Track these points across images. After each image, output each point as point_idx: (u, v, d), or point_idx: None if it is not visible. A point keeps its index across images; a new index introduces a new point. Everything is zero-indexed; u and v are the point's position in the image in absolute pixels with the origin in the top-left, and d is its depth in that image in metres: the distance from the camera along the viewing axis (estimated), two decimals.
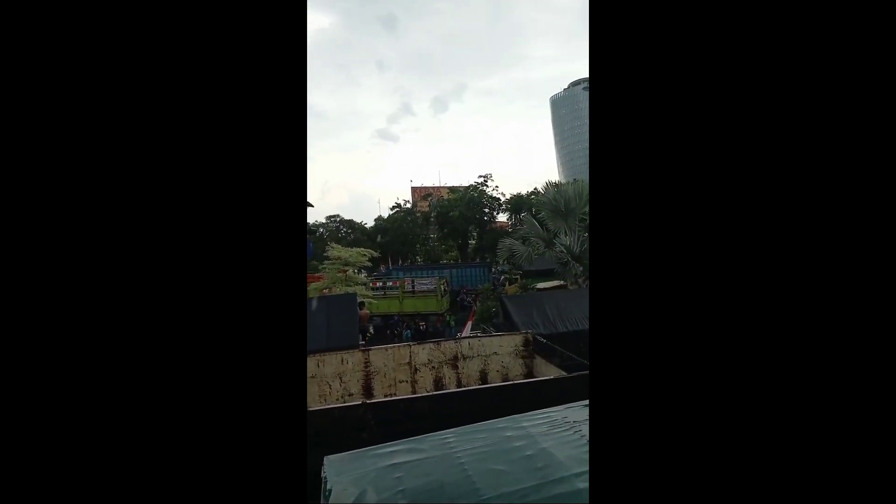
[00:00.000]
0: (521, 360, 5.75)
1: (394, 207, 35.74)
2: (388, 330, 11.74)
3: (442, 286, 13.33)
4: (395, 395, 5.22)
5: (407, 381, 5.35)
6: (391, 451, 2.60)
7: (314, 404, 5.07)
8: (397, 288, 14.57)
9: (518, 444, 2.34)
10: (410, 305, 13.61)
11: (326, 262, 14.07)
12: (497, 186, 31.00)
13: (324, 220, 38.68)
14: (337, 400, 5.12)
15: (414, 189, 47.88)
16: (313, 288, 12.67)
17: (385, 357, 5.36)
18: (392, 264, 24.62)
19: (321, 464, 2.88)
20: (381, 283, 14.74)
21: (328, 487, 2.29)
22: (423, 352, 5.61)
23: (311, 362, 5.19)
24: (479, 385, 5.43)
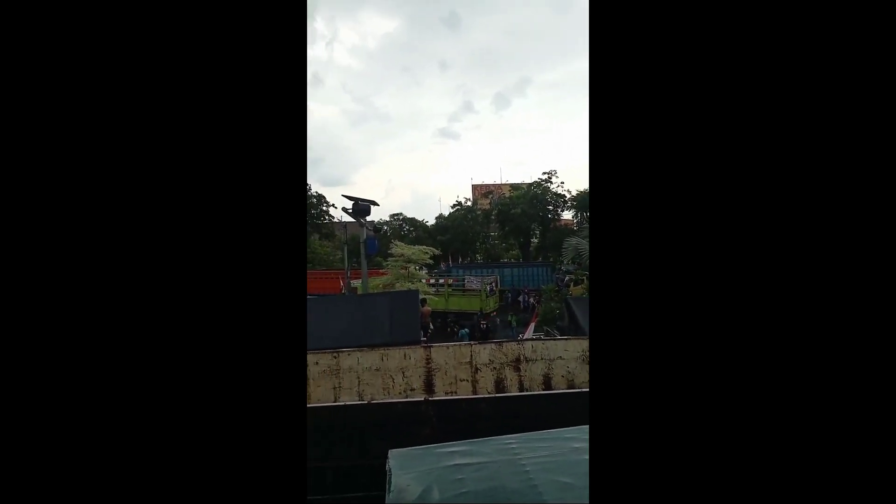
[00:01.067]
0: (588, 367, 5.45)
1: (454, 205, 36.05)
2: (448, 328, 11.84)
3: (488, 286, 13.09)
4: (455, 393, 5.23)
5: (468, 381, 5.34)
6: (453, 451, 2.59)
7: (378, 397, 5.27)
8: (455, 286, 14.64)
9: (587, 456, 2.19)
10: (455, 303, 13.58)
11: (390, 258, 14.59)
12: (562, 183, 29.85)
13: (387, 218, 40.22)
14: (399, 394, 5.26)
15: (474, 187, 47.82)
16: (377, 283, 13.20)
17: (446, 355, 5.40)
18: (452, 262, 24.84)
19: (386, 456, 2.98)
20: (433, 281, 14.92)
21: (392, 481, 2.34)
22: (484, 352, 5.55)
23: (376, 356, 5.39)
24: (543, 390, 5.24)
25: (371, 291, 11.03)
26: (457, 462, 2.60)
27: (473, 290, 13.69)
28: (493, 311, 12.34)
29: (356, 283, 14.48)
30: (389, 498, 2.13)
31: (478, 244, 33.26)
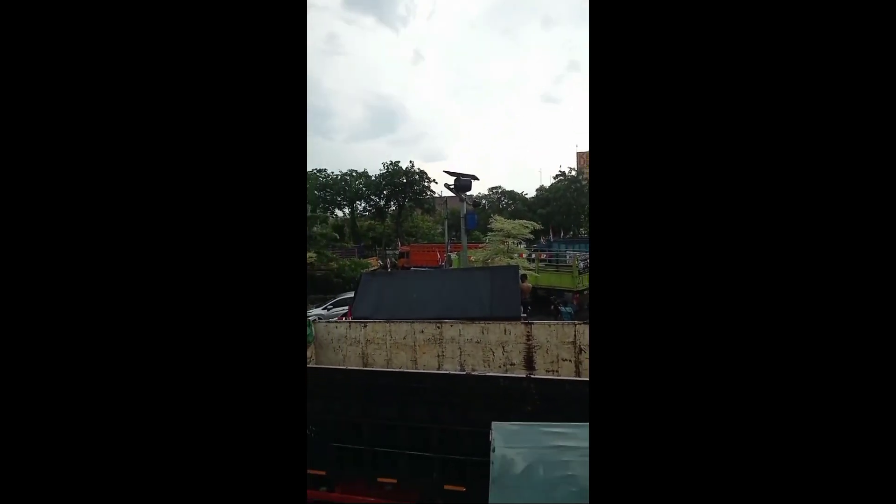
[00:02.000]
0: None
1: (557, 176, 34.13)
2: (552, 305, 11.49)
3: (581, 262, 12.09)
4: (557, 373, 5.11)
5: (570, 361, 5.15)
6: (558, 433, 2.56)
7: (479, 368, 5.44)
8: (548, 262, 14.03)
9: None
10: (545, 280, 12.92)
11: (490, 233, 14.61)
12: None
13: (486, 192, 40.07)
14: (499, 368, 5.35)
15: (579, 155, 44.42)
16: (476, 258, 13.39)
17: (548, 333, 5.27)
18: (554, 236, 23.82)
19: (488, 426, 3.09)
20: (525, 256, 14.44)
21: (495, 453, 2.41)
22: (588, 332, 5.27)
23: (476, 328, 5.53)
24: None
25: (469, 266, 11.23)
26: (561, 444, 2.57)
27: (566, 266, 12.95)
28: (586, 289, 11.55)
29: (454, 255, 14.87)
30: (494, 469, 2.20)
31: (583, 217, 31.20)
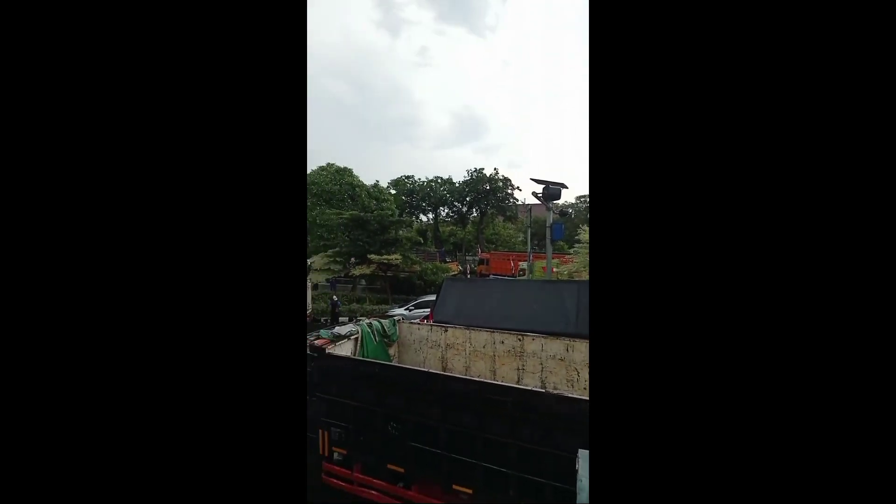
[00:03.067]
0: None
1: None
2: None
3: None
4: None
5: None
6: None
7: (561, 387, 5.17)
8: None
9: None
10: None
11: (577, 245, 13.90)
12: None
13: (573, 201, 38.25)
14: (583, 390, 5.02)
15: None
16: (561, 271, 12.82)
17: None
18: None
19: (572, 452, 2.90)
20: None
21: (581, 483, 2.25)
22: None
23: (560, 345, 5.27)
24: None
25: (554, 279, 10.78)
26: None
27: None
28: None
29: (523, 265, 14.32)
30: (580, 499, 2.06)
31: None
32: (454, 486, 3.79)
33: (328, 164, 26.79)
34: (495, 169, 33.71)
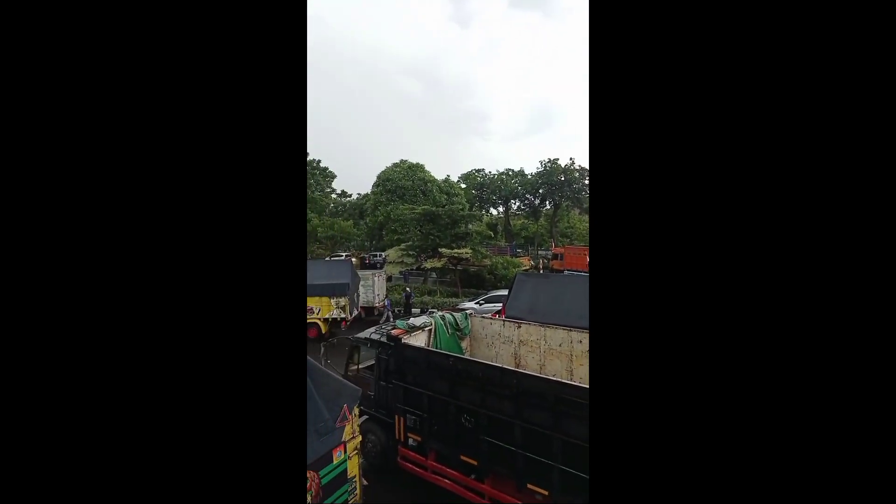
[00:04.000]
0: None
1: None
2: None
3: None
4: None
5: None
6: None
7: None
8: None
9: None
10: None
11: None
12: None
13: None
14: None
15: None
16: None
17: None
18: None
19: None
20: None
21: None
22: None
23: None
24: None
25: None
26: None
27: None
28: None
29: None
30: None
31: None
32: (529, 486, 3.72)
33: (401, 161, 27.79)
34: (571, 159, 31.96)
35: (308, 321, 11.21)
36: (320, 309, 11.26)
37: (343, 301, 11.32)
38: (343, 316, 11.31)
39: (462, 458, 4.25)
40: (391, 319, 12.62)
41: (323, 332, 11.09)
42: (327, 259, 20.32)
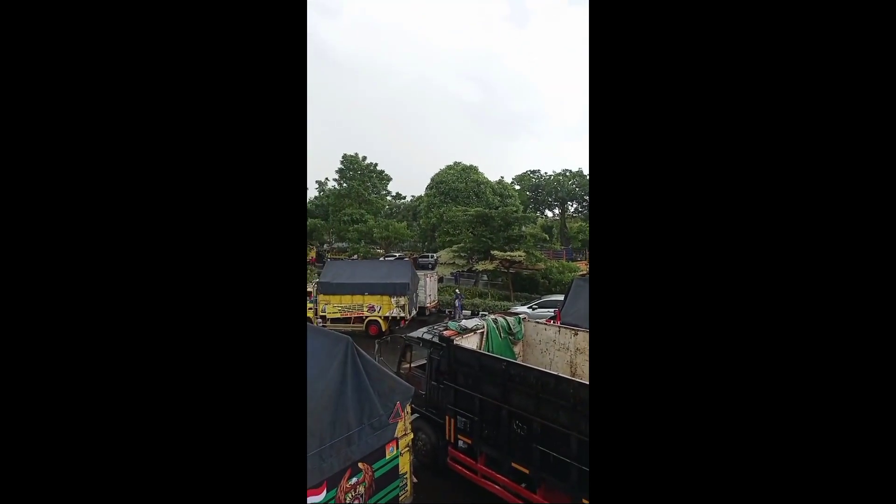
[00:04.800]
0: None
1: None
2: None
3: None
4: None
5: None
6: None
7: None
8: None
9: None
10: None
11: None
12: None
13: None
14: None
15: None
16: None
17: None
18: None
19: None
20: None
21: None
22: None
23: None
24: None
25: None
26: None
27: None
28: None
29: None
30: None
31: None
32: (584, 501, 3.53)
33: (455, 163, 27.99)
34: None
35: (370, 319, 11.72)
36: (381, 307, 11.68)
37: (403, 300, 11.66)
38: (402, 315, 11.63)
39: (513, 465, 4.15)
40: (460, 315, 12.75)
41: (383, 329, 11.49)
42: (387, 258, 20.99)
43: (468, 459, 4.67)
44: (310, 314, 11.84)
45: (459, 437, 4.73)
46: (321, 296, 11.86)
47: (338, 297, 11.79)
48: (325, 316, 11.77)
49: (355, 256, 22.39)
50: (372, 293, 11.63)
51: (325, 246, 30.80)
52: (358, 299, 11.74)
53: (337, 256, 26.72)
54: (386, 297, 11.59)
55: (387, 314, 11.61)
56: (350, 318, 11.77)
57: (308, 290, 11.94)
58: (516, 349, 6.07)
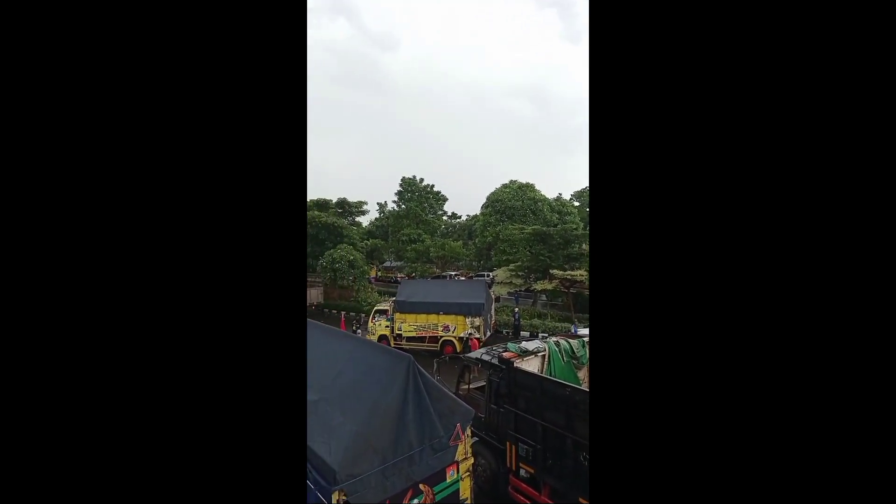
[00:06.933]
0: None
1: None
2: None
3: None
4: None
5: None
6: None
7: None
8: None
9: None
10: None
11: None
12: None
13: None
14: None
15: None
16: None
17: None
18: None
19: None
20: None
21: None
22: None
23: None
24: None
25: None
26: None
27: None
28: None
29: None
30: None
31: None
32: (582, 501, 3.16)
33: (511, 181, 27.87)
34: None
35: (444, 339, 11.65)
36: (456, 327, 11.56)
37: (478, 321, 11.46)
38: (477, 336, 11.39)
39: (581, 501, 3.86)
40: (520, 329, 12.39)
41: (458, 350, 11.18)
42: (463, 278, 21.09)
43: (532, 490, 4.43)
44: (386, 332, 12.00)
45: (521, 465, 4.52)
46: (397, 314, 11.95)
47: (413, 316, 11.82)
48: (400, 334, 11.85)
49: (412, 275, 22.91)
50: (447, 312, 11.56)
51: (383, 265, 31.96)
52: (433, 318, 11.69)
53: (387, 275, 27.48)
54: (461, 318, 11.45)
55: (461, 335, 11.43)
56: (425, 336, 11.72)
57: (385, 308, 12.27)
58: (580, 374, 5.73)
